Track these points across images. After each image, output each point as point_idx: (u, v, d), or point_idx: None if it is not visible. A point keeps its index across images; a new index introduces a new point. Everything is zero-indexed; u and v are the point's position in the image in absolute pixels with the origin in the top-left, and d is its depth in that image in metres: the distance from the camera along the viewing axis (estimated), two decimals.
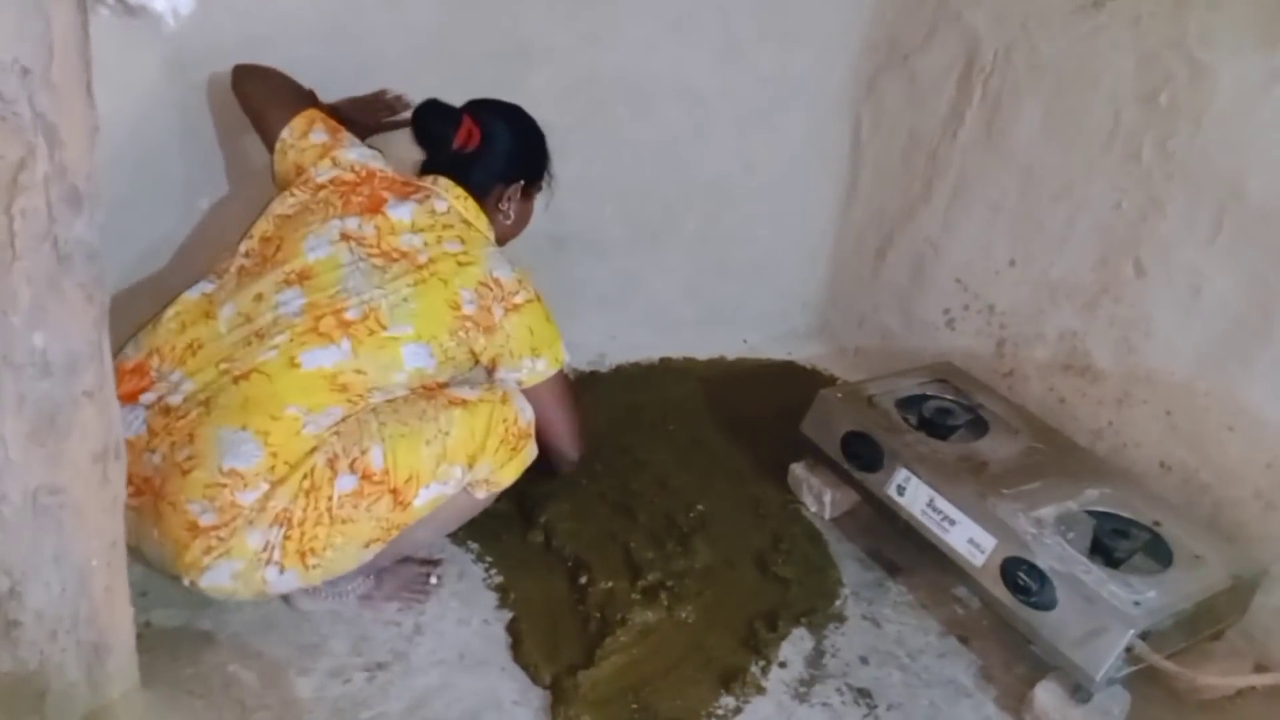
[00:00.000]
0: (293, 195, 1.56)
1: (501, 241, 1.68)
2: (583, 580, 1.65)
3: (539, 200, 1.78)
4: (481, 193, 1.63)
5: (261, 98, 1.70)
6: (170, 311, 1.46)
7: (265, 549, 1.32)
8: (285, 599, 1.51)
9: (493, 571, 1.67)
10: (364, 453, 1.36)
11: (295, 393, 1.36)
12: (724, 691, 1.48)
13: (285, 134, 1.63)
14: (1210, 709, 1.55)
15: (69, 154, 0.93)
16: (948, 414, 1.84)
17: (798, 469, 1.95)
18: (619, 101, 2.19)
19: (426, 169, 1.65)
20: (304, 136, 1.63)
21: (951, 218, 2.20)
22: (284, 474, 1.33)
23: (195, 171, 1.90)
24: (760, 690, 1.50)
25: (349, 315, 1.42)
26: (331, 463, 1.35)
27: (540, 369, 1.58)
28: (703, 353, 2.41)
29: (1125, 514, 1.62)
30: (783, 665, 1.55)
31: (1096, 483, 1.67)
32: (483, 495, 1.54)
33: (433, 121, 1.60)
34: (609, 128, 2.20)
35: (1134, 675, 1.45)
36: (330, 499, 1.34)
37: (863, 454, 1.77)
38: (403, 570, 1.59)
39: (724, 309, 2.48)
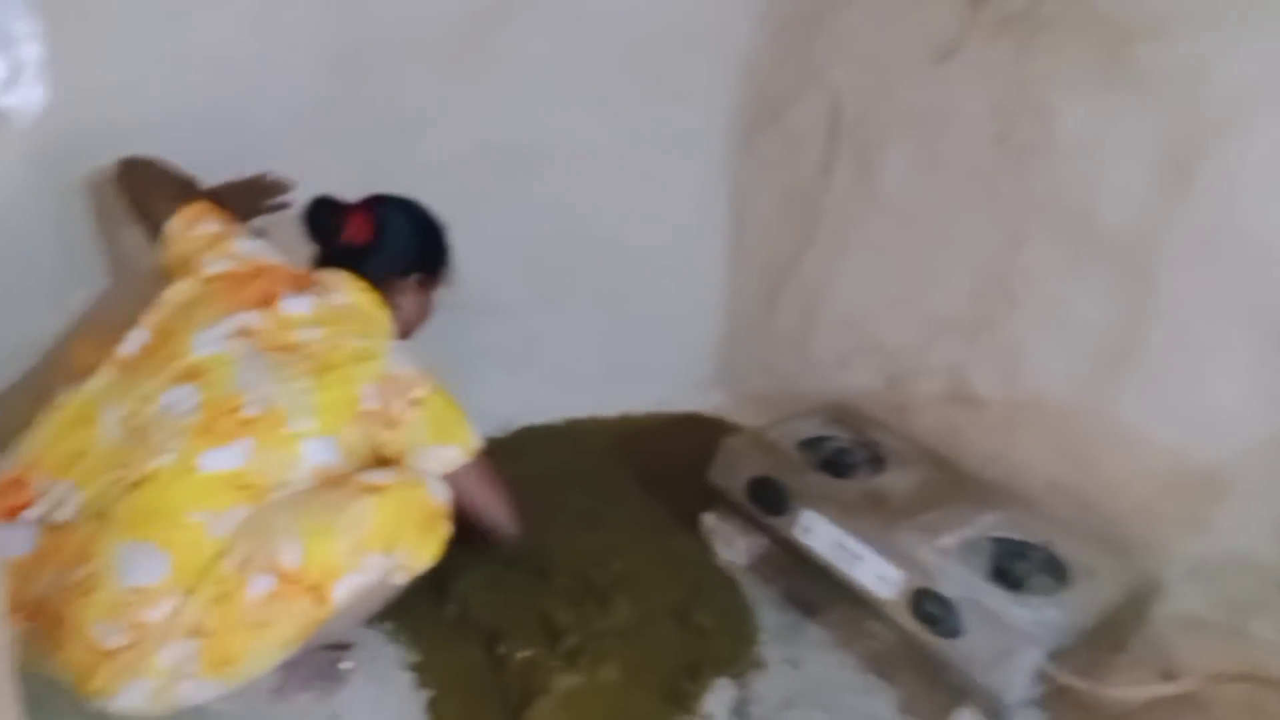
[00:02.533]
0: (181, 286, 1.53)
1: (403, 335, 1.68)
2: (501, 650, 1.62)
3: (440, 293, 1.79)
4: (378, 285, 1.62)
5: (143, 189, 1.66)
6: (46, 419, 1.39)
7: (179, 665, 1.27)
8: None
9: (408, 649, 1.63)
10: (275, 552, 1.32)
11: (196, 497, 1.32)
12: None
13: (171, 225, 1.60)
14: None
15: None
16: (846, 453, 1.89)
17: (709, 518, 1.96)
18: (511, 165, 2.21)
19: (320, 263, 1.65)
20: (191, 227, 1.60)
21: (835, 262, 2.28)
22: (193, 584, 1.28)
23: (67, 264, 1.83)
24: None
25: (247, 413, 1.38)
26: (243, 566, 1.30)
27: (452, 457, 1.55)
28: (610, 409, 2.43)
29: (1021, 536, 1.67)
30: (707, 718, 1.55)
31: (992, 508, 1.73)
32: (401, 580, 1.50)
33: (318, 216, 1.62)
34: (502, 191, 2.22)
35: (1048, 695, 1.49)
36: (244, 604, 1.29)
37: (768, 498, 1.80)
38: (313, 659, 1.53)
39: (628, 364, 2.50)
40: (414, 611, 1.69)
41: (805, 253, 2.34)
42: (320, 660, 1.55)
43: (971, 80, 1.91)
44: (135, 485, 1.32)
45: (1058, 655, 1.45)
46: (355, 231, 1.61)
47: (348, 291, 1.58)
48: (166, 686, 1.28)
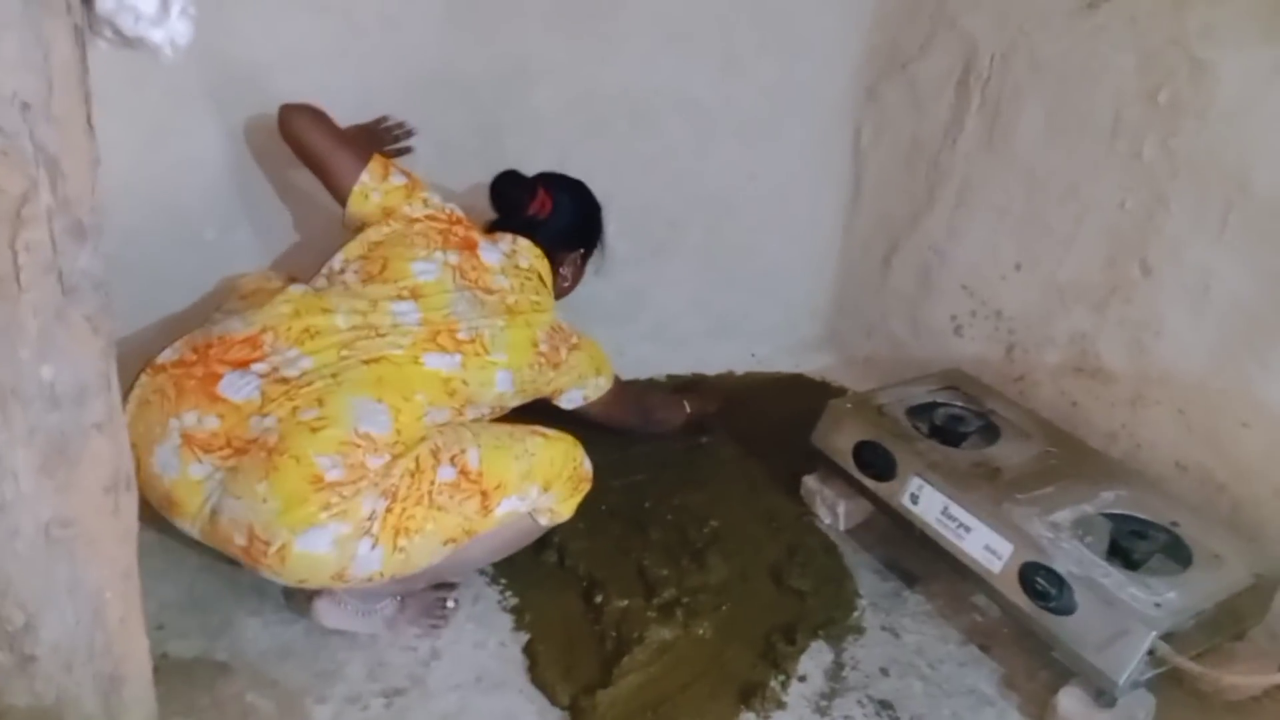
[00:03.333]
0: (387, 226, 1.67)
1: (556, 299, 1.84)
2: (598, 599, 1.64)
3: (591, 265, 1.97)
4: (546, 255, 1.79)
5: (322, 142, 1.72)
6: (282, 297, 1.54)
7: (370, 517, 1.35)
8: (311, 615, 1.50)
9: (507, 593, 1.67)
10: (463, 451, 1.46)
11: (421, 384, 1.49)
12: (744, 707, 1.47)
13: (365, 178, 1.70)
14: (1236, 710, 1.53)
15: (72, 186, 0.93)
16: (959, 421, 1.83)
17: (810, 481, 1.93)
18: (620, 117, 2.20)
19: (497, 227, 1.80)
20: (385, 180, 1.71)
21: (956, 224, 2.19)
22: (401, 451, 1.41)
23: (201, 203, 1.90)
24: (781, 705, 1.48)
25: (461, 335, 1.56)
26: (435, 453, 1.44)
27: (603, 384, 1.82)
28: (711, 367, 2.41)
29: (1142, 515, 1.60)
30: (802, 679, 1.54)
31: (1112, 485, 1.66)
32: (544, 521, 1.61)
33: (510, 189, 1.78)
34: (611, 143, 2.20)
35: (1158, 678, 1.43)
36: (432, 483, 1.41)
37: (875, 463, 1.76)
38: (422, 595, 1.59)
39: (731, 322, 2.47)
40: (515, 558, 1.72)
41: (925, 212, 2.26)
42: (428, 598, 1.59)
43: (1120, 31, 1.79)
44: (368, 362, 1.48)
45: (1173, 639, 1.39)
46: (541, 206, 1.78)
47: (529, 256, 1.76)
48: (351, 537, 1.34)
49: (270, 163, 1.94)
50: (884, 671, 1.57)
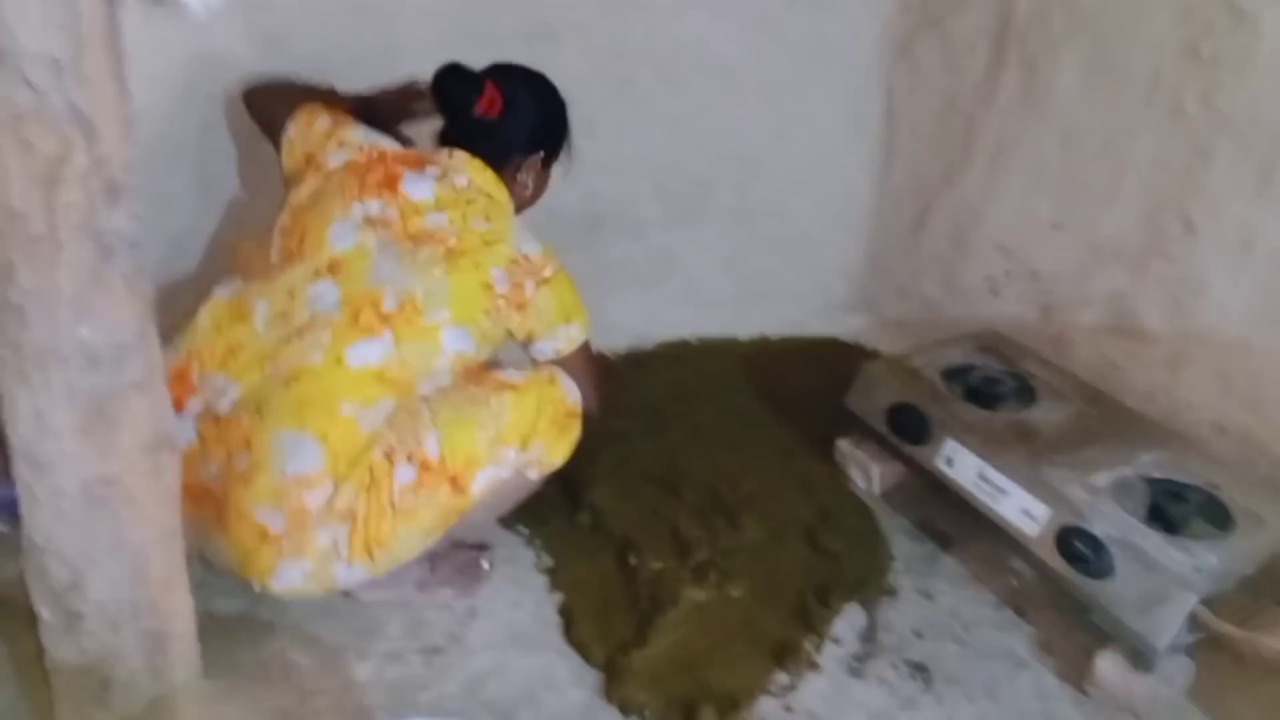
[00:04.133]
0: (306, 184, 1.54)
1: (518, 211, 1.64)
2: (632, 560, 1.64)
3: (557, 171, 1.72)
4: (500, 161, 1.58)
5: (266, 103, 1.68)
6: (204, 313, 1.45)
7: (334, 545, 1.33)
8: (346, 592, 1.51)
9: (542, 554, 1.67)
10: (419, 443, 1.36)
11: (346, 390, 1.36)
12: (777, 667, 1.47)
13: (289, 128, 1.60)
14: (1278, 674, 1.51)
15: (105, 146, 0.93)
16: (995, 383, 1.80)
17: (844, 444, 1.92)
18: (648, 76, 2.17)
19: (445, 137, 1.60)
20: (309, 127, 1.60)
21: (992, 182, 2.16)
22: (344, 472, 1.33)
23: (225, 166, 1.90)
24: (814, 666, 1.49)
25: (386, 306, 1.41)
26: (389, 455, 1.35)
27: (575, 334, 1.58)
28: (743, 330, 2.39)
29: (1182, 478, 1.58)
30: (836, 641, 1.54)
31: (1151, 447, 1.64)
32: (535, 475, 1.54)
33: (454, 86, 1.53)
34: (639, 103, 2.18)
35: (1198, 643, 1.42)
36: (391, 492, 1.34)
37: (909, 426, 1.74)
38: (456, 556, 1.59)
39: (763, 284, 2.45)
40: (549, 519, 1.73)
41: (960, 171, 2.22)
42: (462, 558, 1.60)
43: None
44: (289, 380, 1.36)
45: (1214, 602, 1.37)
46: (490, 104, 1.53)
47: (467, 171, 1.55)
48: (321, 568, 1.34)
49: None
50: (918, 634, 1.56)
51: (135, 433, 1.04)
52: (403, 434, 1.36)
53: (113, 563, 1.05)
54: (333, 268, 1.44)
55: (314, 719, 1.30)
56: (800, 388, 2.18)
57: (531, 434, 1.46)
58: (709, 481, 1.84)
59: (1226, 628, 1.36)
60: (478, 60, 1.80)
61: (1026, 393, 1.80)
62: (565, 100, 1.68)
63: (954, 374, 1.85)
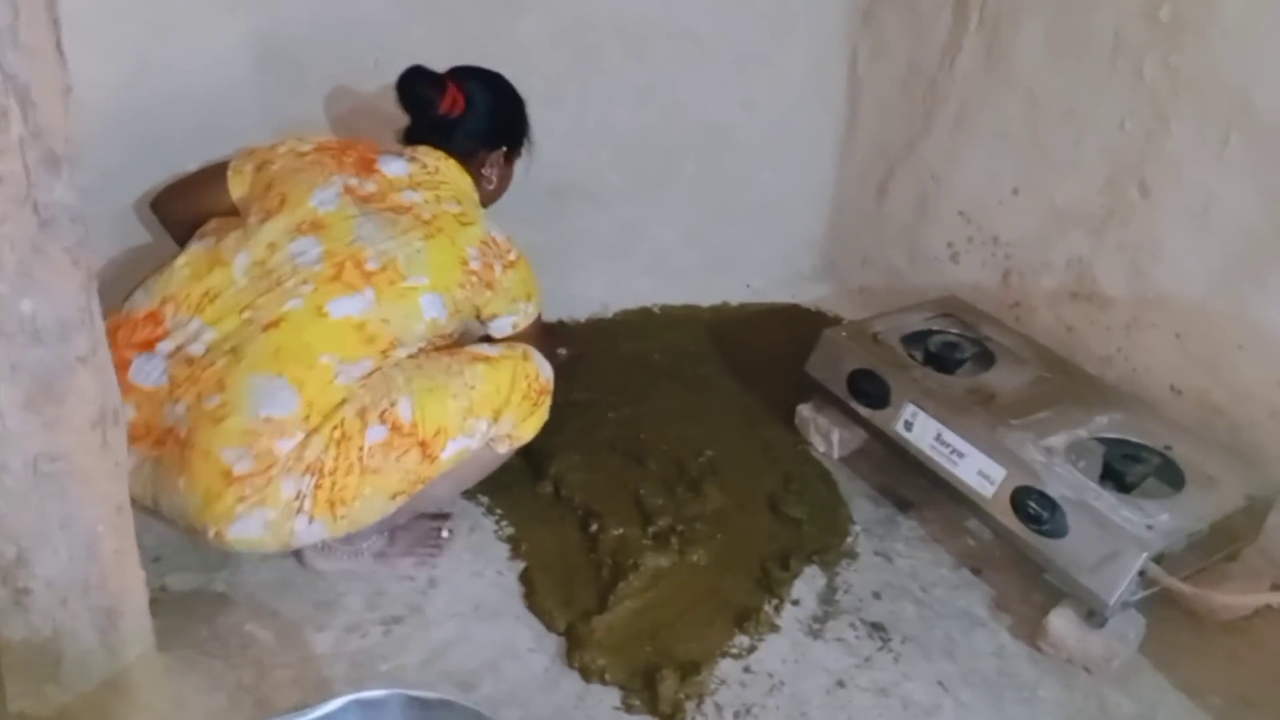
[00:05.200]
0: (276, 163, 1.55)
1: (484, 205, 1.70)
2: (594, 528, 1.65)
3: (519, 166, 1.80)
4: (465, 158, 1.65)
5: (181, 187, 1.63)
6: (181, 260, 1.45)
7: (297, 498, 1.33)
8: (300, 560, 1.51)
9: (504, 523, 1.68)
10: (393, 405, 1.38)
11: (327, 342, 1.38)
12: (738, 631, 1.49)
13: (231, 165, 1.57)
14: (1229, 630, 1.55)
15: (43, 115, 0.91)
16: (954, 347, 1.82)
17: (805, 410, 1.94)
18: (611, 45, 2.15)
19: (410, 136, 1.66)
20: (252, 151, 1.58)
21: (954, 148, 2.16)
22: (317, 423, 1.34)
23: (185, 138, 1.87)
24: (774, 629, 1.50)
25: (370, 265, 1.44)
26: (362, 414, 1.36)
27: (530, 311, 1.66)
28: (706, 299, 2.39)
29: (1136, 439, 1.61)
30: (796, 603, 1.56)
31: (1106, 410, 1.66)
32: (504, 450, 1.56)
33: (418, 87, 1.60)
34: (602, 73, 2.16)
35: (1150, 599, 1.45)
36: (361, 449, 1.35)
37: (869, 391, 1.76)
38: (415, 526, 1.60)
39: (726, 254, 2.45)
40: (511, 488, 1.74)
41: (922, 137, 2.22)
42: (422, 528, 1.60)
43: None
44: (268, 326, 1.37)
45: (1165, 560, 1.40)
46: (452, 103, 1.61)
47: (433, 159, 1.61)
48: (283, 519, 1.33)
49: (255, 95, 1.90)
50: (876, 595, 1.59)
51: (82, 407, 1.02)
52: (377, 395, 1.38)
53: (62, 539, 1.04)
54: (315, 225, 1.46)
55: (273, 692, 1.30)
56: (763, 355, 2.19)
57: (504, 407, 1.48)
58: (672, 450, 1.85)
59: (1177, 584, 1.39)
60: (438, 30, 1.79)
61: (985, 357, 1.82)
62: (522, 98, 1.75)
63: (914, 339, 1.86)
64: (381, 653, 1.41)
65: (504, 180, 1.77)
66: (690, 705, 1.36)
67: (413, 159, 1.60)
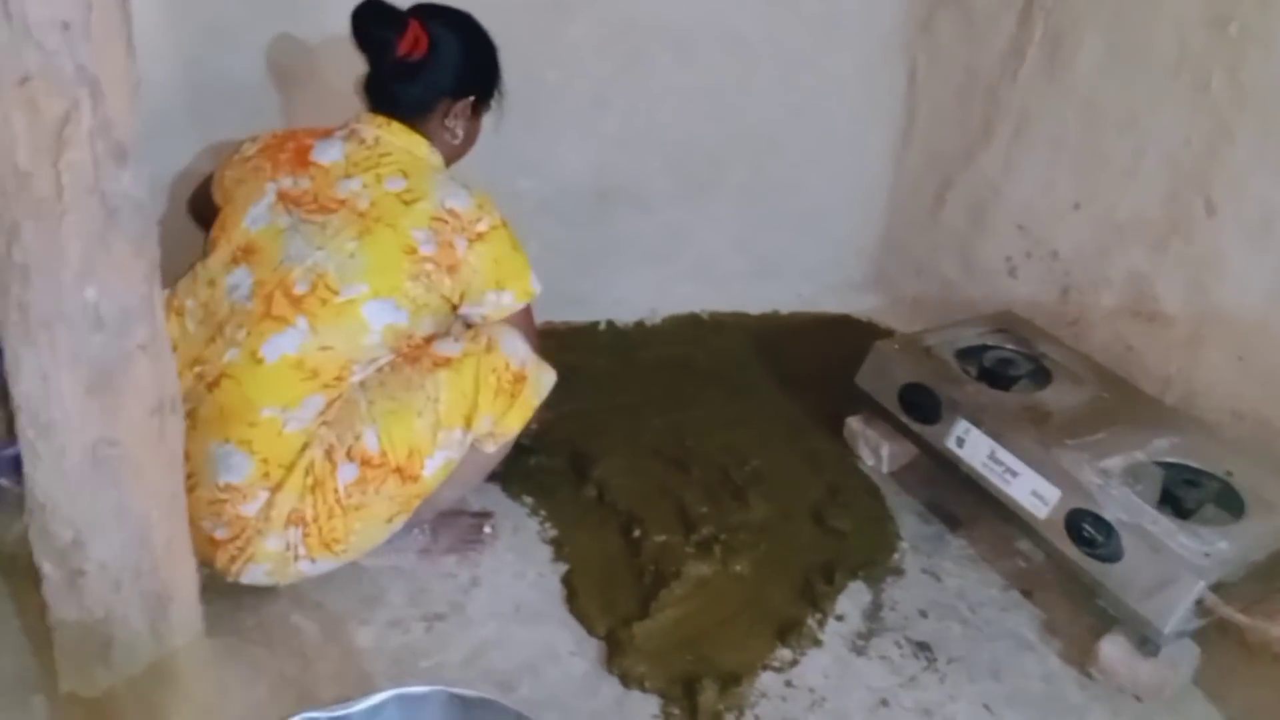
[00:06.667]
0: (231, 170, 1.50)
1: (448, 163, 1.54)
2: (636, 534, 1.64)
3: (488, 120, 1.61)
4: (426, 108, 1.48)
5: (200, 193, 1.61)
6: None
7: (288, 549, 1.33)
8: None
9: (547, 525, 1.68)
10: (358, 438, 1.33)
11: (266, 392, 1.31)
12: (780, 644, 1.47)
13: (215, 171, 1.55)
14: None
15: (112, 108, 0.93)
16: (1009, 364, 1.79)
17: (854, 422, 1.91)
18: (661, 49, 2.14)
19: (369, 81, 1.49)
20: (225, 160, 1.55)
21: (1012, 159, 2.13)
22: (280, 477, 1.31)
23: (222, 133, 1.89)
24: (817, 643, 1.48)
25: (297, 290, 1.34)
26: (329, 454, 1.32)
27: (506, 303, 1.46)
28: (754, 307, 2.37)
29: (1195, 463, 1.56)
30: (840, 618, 1.53)
31: (1166, 432, 1.62)
32: (493, 449, 1.48)
33: (373, 25, 1.41)
34: (651, 77, 2.16)
35: (1205, 628, 1.40)
36: (336, 491, 1.33)
37: (921, 406, 1.73)
38: (457, 523, 1.60)
39: (775, 261, 2.43)
40: (555, 491, 1.74)
41: (980, 147, 2.19)
42: (464, 525, 1.61)
43: None
44: (212, 385, 1.33)
45: (1222, 589, 1.36)
46: (414, 43, 1.41)
47: (371, 127, 1.45)
48: (281, 566, 1.35)
49: (308, 93, 1.92)
50: (923, 614, 1.56)
51: (140, 395, 1.04)
52: (341, 431, 1.33)
53: (115, 524, 1.06)
54: (247, 251, 1.39)
55: (315, 684, 1.31)
56: (811, 365, 2.16)
57: (474, 412, 1.39)
58: (716, 458, 1.83)
59: (1234, 614, 1.35)
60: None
61: (1041, 375, 1.78)
62: (494, 43, 1.56)
63: (968, 354, 1.83)
64: (423, 649, 1.41)
65: (471, 134, 1.57)
66: (730, 717, 1.35)
67: (350, 135, 1.45)
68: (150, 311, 1.03)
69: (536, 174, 2.12)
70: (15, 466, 1.08)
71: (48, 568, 1.08)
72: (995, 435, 1.61)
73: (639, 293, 2.29)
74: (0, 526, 1.43)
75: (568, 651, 1.44)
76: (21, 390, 0.98)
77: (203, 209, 1.58)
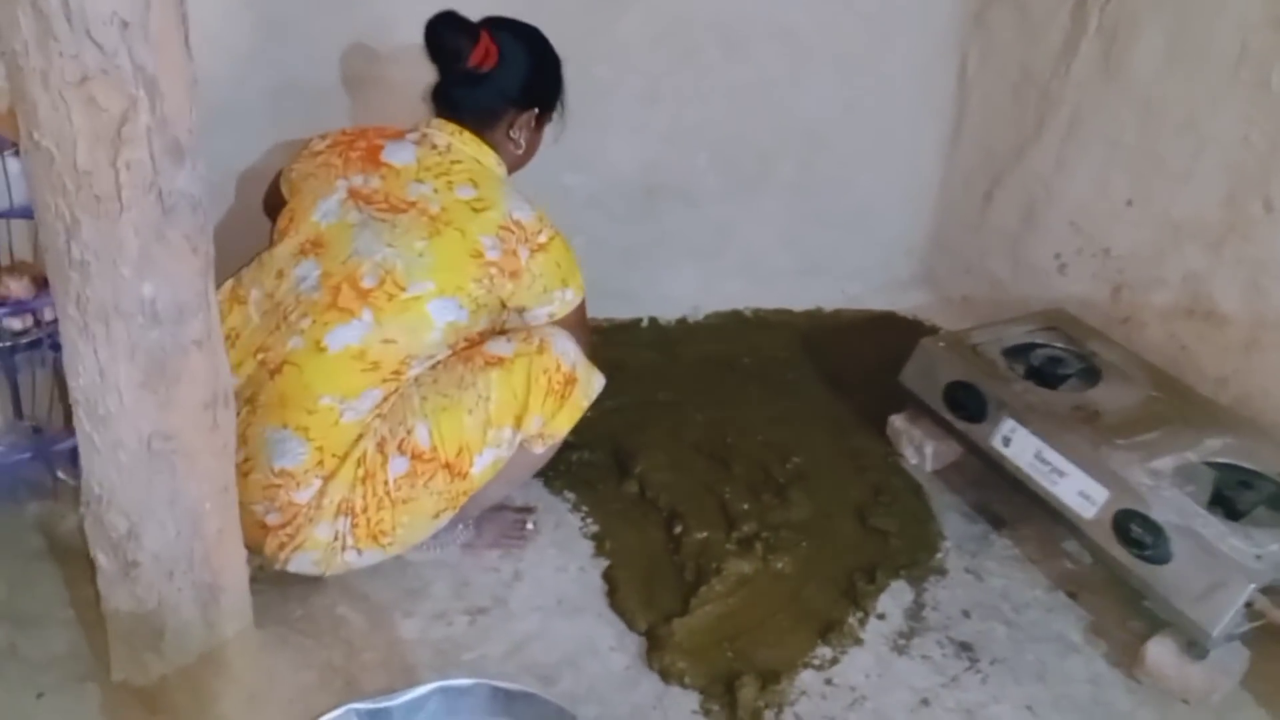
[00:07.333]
0: (299, 165, 1.54)
1: (510, 171, 1.58)
2: (678, 530, 1.64)
3: (549, 132, 1.65)
4: (492, 118, 1.52)
5: (271, 195, 1.65)
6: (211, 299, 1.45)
7: (336, 538, 1.35)
8: None
9: (589, 520, 1.69)
10: (409, 432, 1.35)
11: (326, 381, 1.34)
12: (821, 642, 1.47)
13: (285, 167, 1.58)
14: None
15: (170, 106, 0.95)
16: (1058, 362, 1.76)
17: (898, 421, 1.90)
18: (711, 44, 2.14)
19: (438, 89, 1.53)
20: (296, 154, 1.58)
21: (1065, 156, 2.09)
22: (334, 467, 1.33)
23: (292, 130, 1.93)
24: (858, 642, 1.48)
25: (365, 284, 1.37)
26: (381, 447, 1.35)
27: (570, 299, 1.52)
28: (800, 304, 2.36)
29: (1249, 465, 1.53)
30: (881, 617, 1.52)
31: (1219, 433, 1.58)
32: (541, 450, 1.50)
33: (447, 35, 1.45)
34: (701, 72, 2.15)
35: (1255, 632, 1.38)
36: (386, 484, 1.35)
37: (967, 404, 1.71)
38: (500, 518, 1.62)
39: (822, 258, 2.41)
40: (597, 486, 1.75)
41: (1032, 144, 2.15)
42: (507, 520, 1.62)
43: None
44: (274, 371, 1.36)
45: (1273, 592, 1.33)
46: (484, 54, 1.46)
47: (448, 136, 1.49)
48: (329, 555, 1.37)
49: (364, 88, 1.95)
50: (966, 614, 1.54)
51: (194, 389, 1.07)
52: (394, 424, 1.36)
53: (169, 515, 1.09)
54: (315, 244, 1.42)
55: (360, 674, 1.34)
56: (856, 363, 2.15)
57: (524, 411, 1.41)
58: (759, 455, 1.83)
59: None
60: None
61: (1091, 374, 1.76)
62: (559, 57, 1.60)
63: (1015, 352, 1.81)
64: (465, 642, 1.43)
65: (533, 145, 1.62)
66: (770, 714, 1.35)
67: (422, 139, 1.49)
68: (205, 307, 1.05)
69: (585, 169, 2.13)
70: (72, 459, 1.11)
71: (102, 558, 1.11)
72: (1042, 434, 1.59)
73: (684, 289, 2.29)
74: (56, 518, 1.48)
75: (608, 646, 1.45)
76: (79, 383, 1.01)
77: (275, 204, 1.61)
